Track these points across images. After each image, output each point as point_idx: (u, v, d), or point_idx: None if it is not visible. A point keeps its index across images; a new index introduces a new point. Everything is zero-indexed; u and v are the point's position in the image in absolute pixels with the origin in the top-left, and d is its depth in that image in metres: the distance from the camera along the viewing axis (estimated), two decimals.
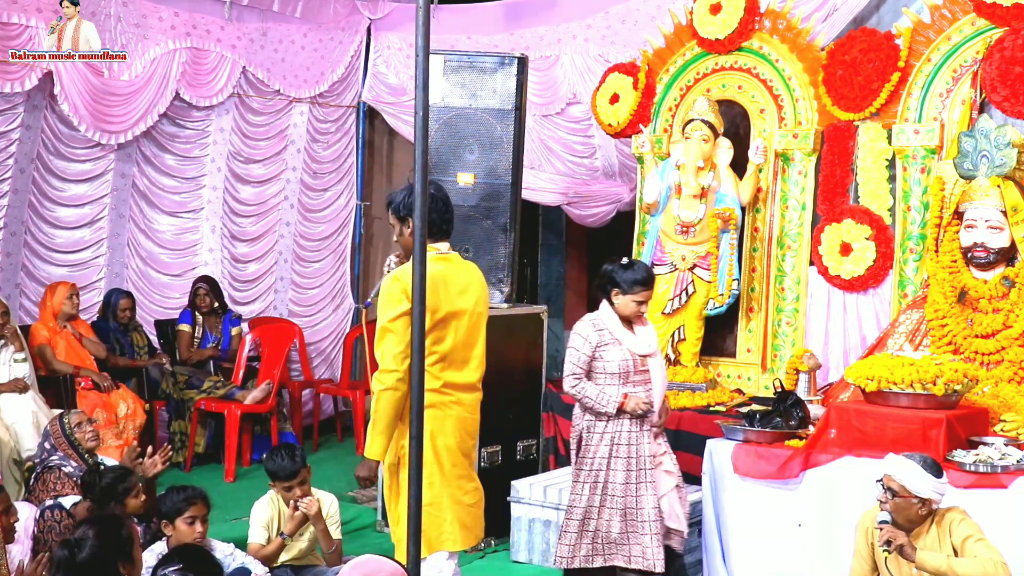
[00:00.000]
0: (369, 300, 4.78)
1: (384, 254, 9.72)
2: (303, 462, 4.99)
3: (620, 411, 4.75)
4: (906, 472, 3.90)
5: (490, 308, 6.04)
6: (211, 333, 8.04)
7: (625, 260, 4.87)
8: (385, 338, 3.93)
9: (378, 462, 3.98)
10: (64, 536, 4.01)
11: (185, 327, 7.98)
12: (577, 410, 4.91)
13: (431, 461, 3.97)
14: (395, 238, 4.27)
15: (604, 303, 4.90)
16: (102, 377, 7.04)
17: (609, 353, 4.79)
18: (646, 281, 4.82)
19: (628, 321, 4.85)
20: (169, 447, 5.31)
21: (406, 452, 4.00)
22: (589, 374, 4.82)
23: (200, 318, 8.02)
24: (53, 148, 7.60)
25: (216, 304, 8.06)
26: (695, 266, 6.06)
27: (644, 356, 4.83)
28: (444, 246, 4.14)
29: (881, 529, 3.88)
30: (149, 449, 5.11)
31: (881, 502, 3.98)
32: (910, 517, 3.91)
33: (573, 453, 4.95)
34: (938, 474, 3.91)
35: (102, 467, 4.93)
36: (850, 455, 4.78)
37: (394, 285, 3.93)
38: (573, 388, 4.80)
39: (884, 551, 3.86)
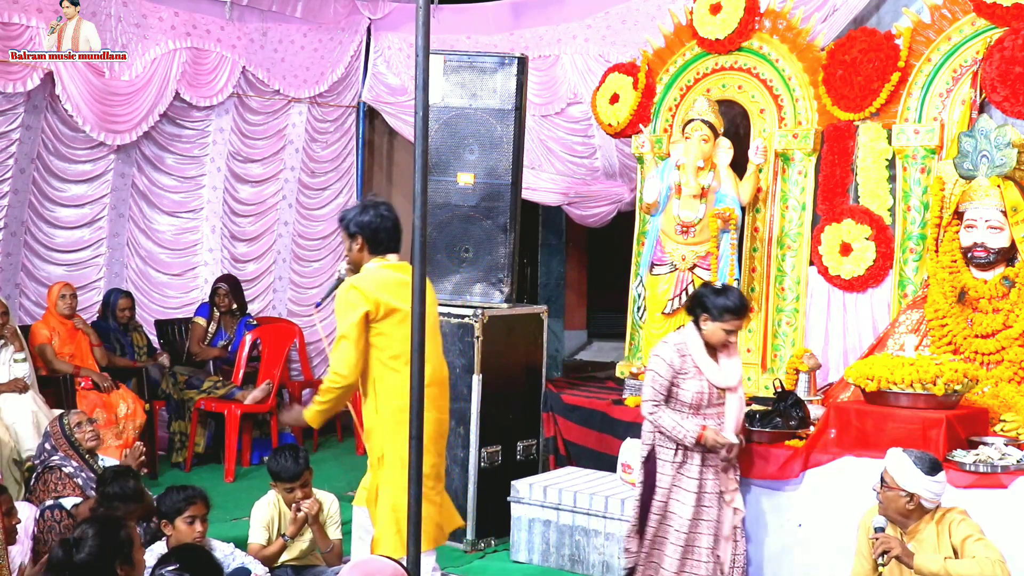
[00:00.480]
0: (320, 302, 4.85)
1: None
2: (306, 464, 4.99)
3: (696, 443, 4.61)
4: (898, 465, 3.95)
5: (490, 308, 6.10)
6: (225, 331, 8.03)
7: (719, 284, 4.72)
8: (340, 345, 4.15)
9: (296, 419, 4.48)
10: (64, 536, 4.01)
11: (201, 320, 7.97)
12: (647, 426, 4.74)
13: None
14: (345, 253, 4.43)
15: (690, 326, 4.70)
16: (102, 377, 7.04)
17: (687, 383, 4.62)
18: (738, 310, 4.62)
19: (713, 348, 4.67)
20: (144, 447, 5.34)
21: (385, 453, 4.06)
22: (666, 399, 4.66)
23: (217, 315, 8.01)
24: (53, 148, 7.61)
25: (235, 306, 8.06)
26: (695, 266, 6.06)
27: (723, 389, 4.68)
28: (394, 257, 4.32)
29: (876, 539, 3.88)
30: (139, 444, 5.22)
31: (876, 492, 4.02)
32: (898, 509, 3.95)
33: (639, 471, 4.80)
34: (931, 472, 3.91)
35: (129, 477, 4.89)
36: (850, 455, 4.78)
37: (350, 293, 4.13)
38: (651, 415, 4.62)
39: (880, 564, 3.88)
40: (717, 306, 4.58)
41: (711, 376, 4.63)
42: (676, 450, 4.64)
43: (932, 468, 3.92)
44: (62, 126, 7.58)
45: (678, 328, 4.78)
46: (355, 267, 4.34)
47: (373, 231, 4.25)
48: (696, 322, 4.65)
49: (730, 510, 4.72)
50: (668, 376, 4.61)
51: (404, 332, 3.99)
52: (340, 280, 4.33)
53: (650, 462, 4.71)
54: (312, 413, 4.31)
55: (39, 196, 7.63)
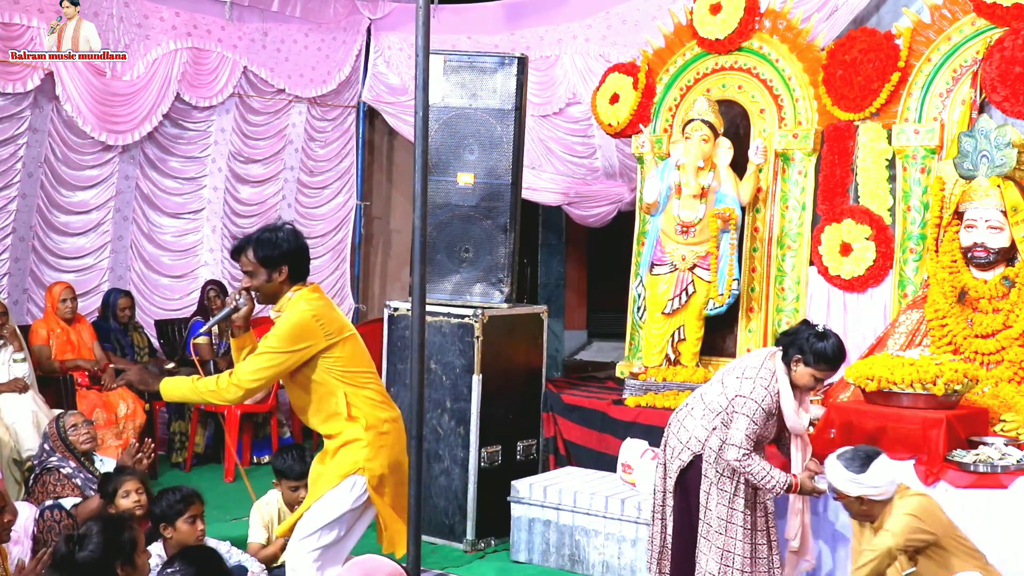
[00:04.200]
0: (207, 331, 4.68)
1: (384, 254, 9.74)
2: (311, 463, 5.00)
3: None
4: (832, 472, 4.03)
5: (490, 308, 6.10)
6: (224, 340, 8.00)
7: (821, 328, 4.39)
8: (264, 357, 3.93)
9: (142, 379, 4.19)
10: (67, 534, 4.01)
11: (202, 339, 7.77)
12: (691, 431, 4.45)
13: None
14: (251, 284, 4.02)
15: (779, 363, 4.38)
16: (93, 364, 7.01)
17: (771, 426, 4.39)
18: (835, 361, 4.35)
19: (797, 390, 4.41)
20: (152, 443, 5.32)
21: (366, 466, 3.97)
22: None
23: (216, 327, 7.90)
24: (61, 155, 7.62)
25: None
26: (695, 266, 6.06)
27: (791, 435, 4.47)
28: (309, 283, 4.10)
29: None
30: (148, 441, 5.20)
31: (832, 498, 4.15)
32: (856, 512, 4.03)
33: (669, 479, 4.53)
34: (860, 468, 3.93)
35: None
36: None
37: (312, 321, 3.91)
38: (739, 462, 4.26)
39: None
40: (815, 352, 4.30)
41: (789, 420, 4.38)
42: (735, 494, 4.38)
43: (862, 465, 3.93)
44: (68, 131, 7.58)
45: (763, 363, 4.41)
46: (266, 298, 4.04)
47: (302, 260, 4.04)
48: (787, 360, 4.37)
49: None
50: (763, 422, 4.31)
51: (357, 348, 4.04)
52: (236, 309, 4.04)
53: (691, 485, 4.44)
54: (178, 392, 4.03)
55: (47, 203, 7.64)
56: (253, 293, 4.04)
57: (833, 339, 4.36)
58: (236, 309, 4.05)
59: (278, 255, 3.96)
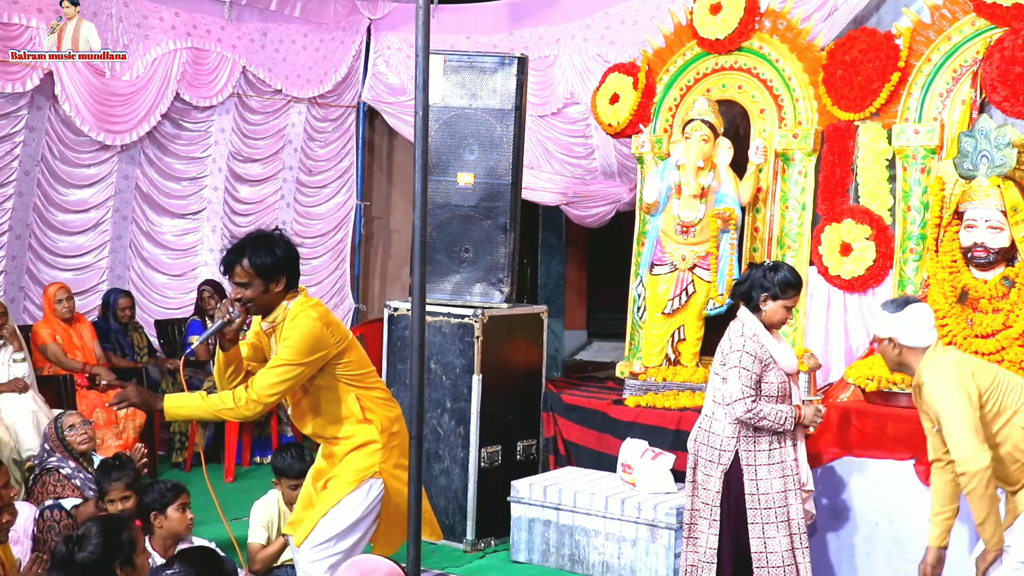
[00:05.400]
0: (192, 347, 4.52)
1: (384, 254, 9.73)
2: (311, 462, 5.00)
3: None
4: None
5: (490, 308, 6.09)
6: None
7: (768, 262, 4.49)
8: (280, 370, 3.77)
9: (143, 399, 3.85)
10: (66, 535, 4.01)
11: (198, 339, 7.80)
12: (722, 433, 4.44)
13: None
14: (250, 293, 3.84)
15: (746, 314, 4.46)
16: (109, 373, 7.03)
17: (770, 374, 4.41)
18: (798, 283, 4.49)
19: (773, 330, 4.50)
20: (145, 448, 5.34)
21: (380, 468, 3.93)
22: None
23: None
24: (58, 152, 7.62)
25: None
26: (695, 266, 6.06)
27: (790, 376, 4.50)
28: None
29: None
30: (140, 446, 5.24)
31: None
32: (892, 360, 3.94)
33: (714, 491, 4.45)
34: (896, 309, 3.90)
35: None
36: (850, 455, 4.78)
37: (323, 329, 3.80)
38: (750, 412, 4.30)
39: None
40: (779, 283, 4.42)
41: (781, 361, 4.43)
42: (773, 449, 4.40)
43: (899, 307, 3.92)
44: (66, 129, 7.59)
45: (728, 332, 4.48)
46: (260, 310, 3.89)
47: (297, 267, 3.91)
48: (755, 305, 4.43)
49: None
50: (757, 370, 4.35)
51: (360, 350, 3.99)
52: (229, 323, 3.83)
53: (744, 479, 4.40)
54: (185, 411, 3.81)
55: (43, 200, 7.64)
56: (247, 305, 3.85)
57: (785, 266, 4.53)
58: (229, 322, 3.82)
59: (275, 263, 3.81)
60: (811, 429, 4.66)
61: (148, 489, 4.53)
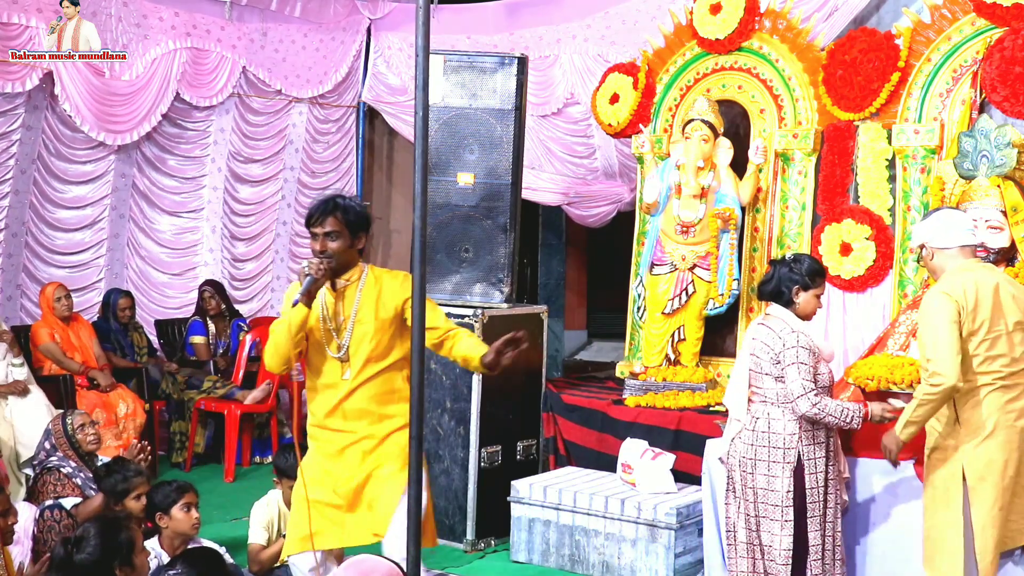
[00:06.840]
0: (297, 300, 4.35)
1: (384, 254, 9.73)
2: None
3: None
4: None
5: (490, 308, 6.09)
6: (221, 339, 8.01)
7: (789, 255, 4.53)
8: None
9: None
10: (64, 536, 4.02)
11: (199, 339, 7.86)
12: (783, 432, 4.34)
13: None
14: (337, 245, 3.90)
15: (780, 311, 4.44)
16: (107, 377, 7.04)
17: (821, 366, 4.38)
18: (823, 270, 4.53)
19: (807, 321, 4.49)
20: (148, 446, 5.35)
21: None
22: None
23: (212, 326, 7.95)
24: (54, 150, 7.62)
25: (223, 307, 8.02)
26: (695, 266, 6.06)
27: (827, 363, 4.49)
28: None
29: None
30: (143, 444, 5.24)
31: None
32: (931, 269, 4.22)
33: (784, 491, 4.35)
34: (927, 215, 4.21)
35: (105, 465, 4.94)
36: (850, 455, 4.78)
37: None
38: (815, 407, 4.23)
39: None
40: (807, 272, 4.42)
41: (825, 351, 4.45)
42: (827, 440, 4.38)
43: (929, 214, 4.20)
44: (63, 127, 7.59)
45: (768, 331, 4.41)
46: (341, 266, 3.93)
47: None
48: (788, 300, 4.42)
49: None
50: (812, 362, 4.31)
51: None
52: (314, 280, 3.82)
53: (804, 474, 4.35)
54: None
55: (40, 198, 7.64)
56: (330, 259, 3.86)
57: (806, 256, 4.60)
58: (314, 279, 3.82)
59: (362, 220, 3.97)
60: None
61: (155, 489, 4.57)
